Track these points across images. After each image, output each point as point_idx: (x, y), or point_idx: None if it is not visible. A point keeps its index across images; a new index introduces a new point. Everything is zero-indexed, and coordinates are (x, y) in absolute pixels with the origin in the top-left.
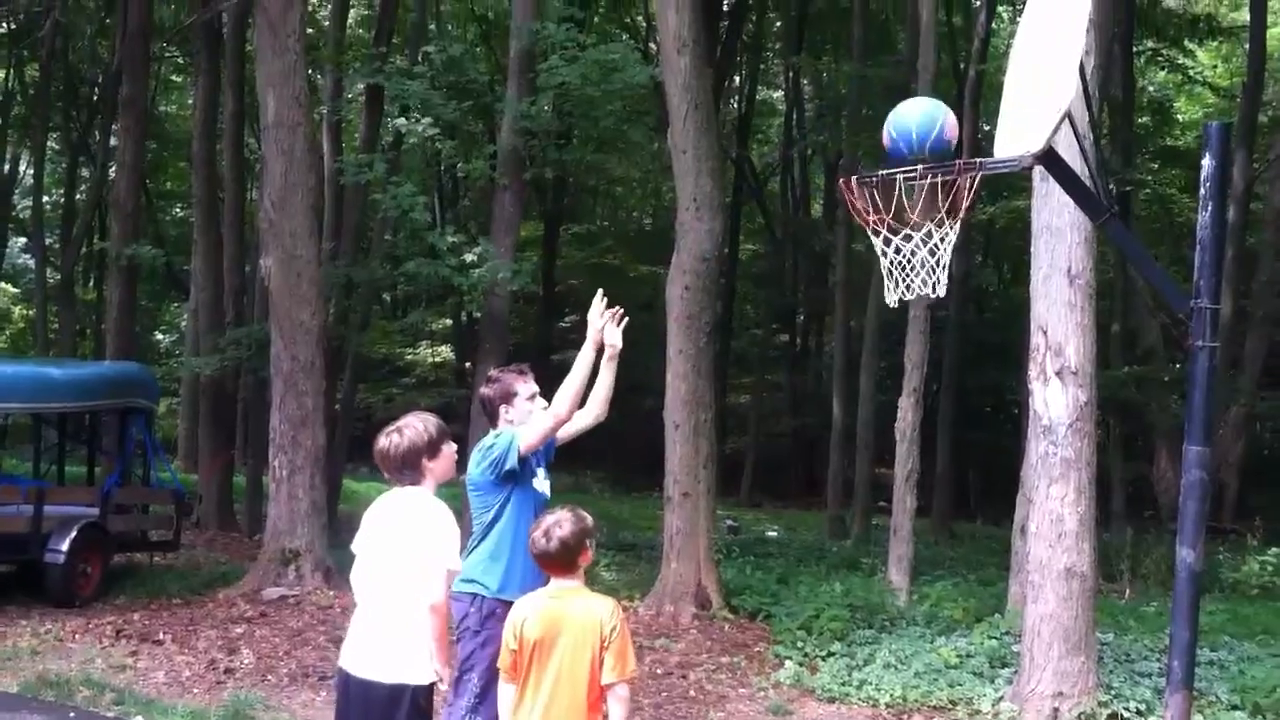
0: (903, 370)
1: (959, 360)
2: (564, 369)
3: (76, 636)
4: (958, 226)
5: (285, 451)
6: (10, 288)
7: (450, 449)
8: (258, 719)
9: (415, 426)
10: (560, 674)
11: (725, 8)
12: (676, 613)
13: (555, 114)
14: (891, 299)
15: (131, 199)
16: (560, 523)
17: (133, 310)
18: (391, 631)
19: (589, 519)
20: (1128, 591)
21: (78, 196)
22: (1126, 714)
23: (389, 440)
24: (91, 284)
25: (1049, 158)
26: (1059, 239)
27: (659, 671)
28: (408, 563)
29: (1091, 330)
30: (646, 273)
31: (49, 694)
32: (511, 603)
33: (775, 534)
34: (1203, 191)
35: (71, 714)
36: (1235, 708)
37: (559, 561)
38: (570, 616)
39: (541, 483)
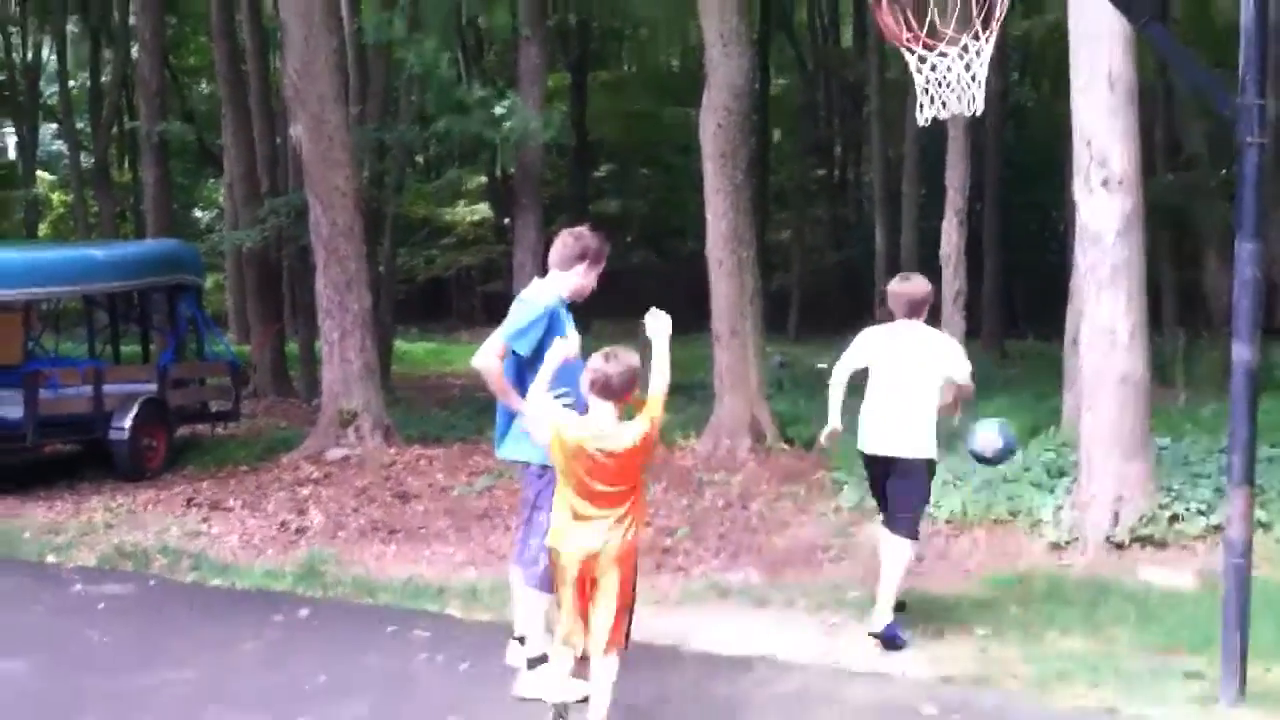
0: (944, 195)
1: (1001, 180)
2: (601, 216)
3: (149, 508)
4: (993, 40)
5: (333, 316)
6: (47, 175)
7: None
8: (331, 574)
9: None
10: (584, 475)
11: None
12: (733, 447)
13: None
14: (923, 118)
15: (156, 77)
16: (619, 356)
17: (169, 188)
18: (921, 420)
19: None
20: (1183, 396)
21: (103, 79)
22: (1187, 514)
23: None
24: (126, 165)
25: None
26: (1098, 45)
27: (720, 504)
28: (936, 371)
29: (1135, 136)
30: (679, 115)
31: (127, 564)
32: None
33: (825, 366)
34: None
35: (150, 582)
36: None
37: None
38: (604, 441)
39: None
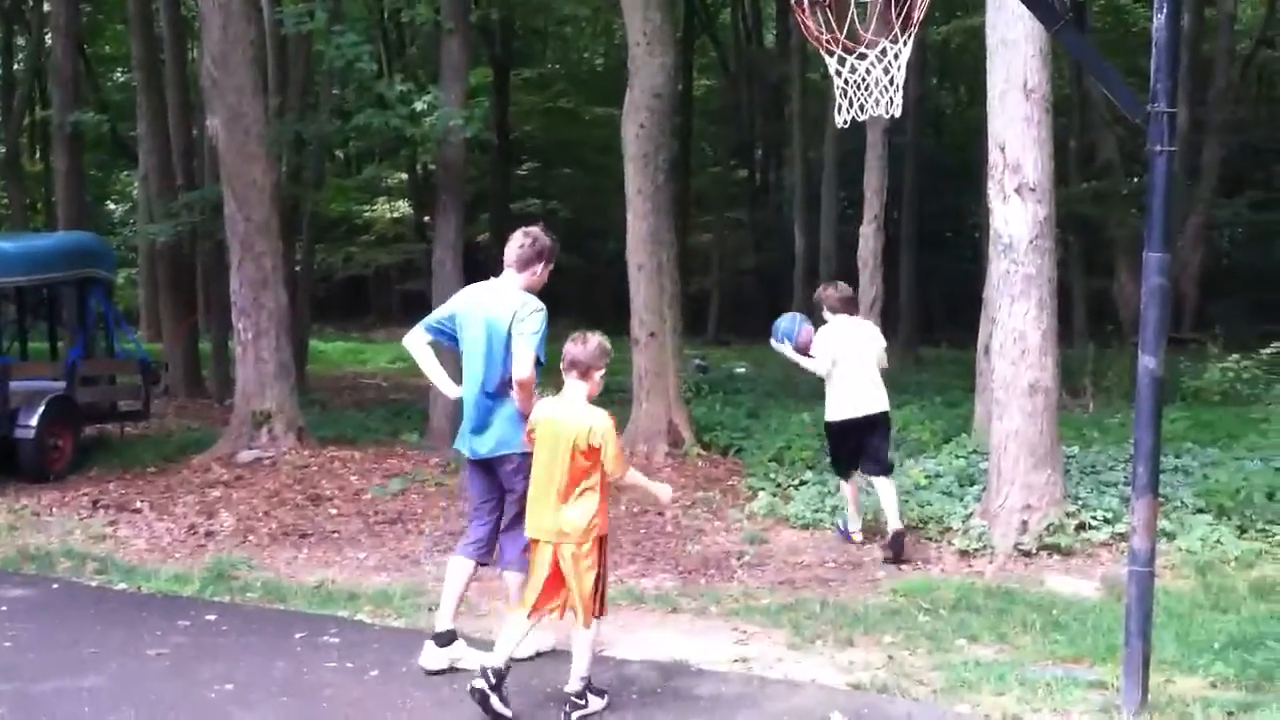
0: (863, 199)
1: (918, 186)
2: (524, 218)
3: (53, 510)
4: (911, 43)
5: (248, 314)
6: None
7: None
8: (242, 579)
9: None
10: (549, 462)
11: None
12: (650, 452)
13: None
14: (841, 119)
15: (69, 65)
16: (587, 338)
17: (81, 179)
18: (881, 383)
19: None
20: (1091, 405)
21: (15, 66)
22: (1094, 523)
23: (848, 289)
24: (38, 155)
25: None
26: (1014, 52)
27: (635, 510)
28: (878, 347)
29: (1049, 145)
30: (602, 115)
31: (30, 567)
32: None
33: (744, 370)
34: None
35: (55, 585)
36: (1200, 511)
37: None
38: (564, 421)
39: None
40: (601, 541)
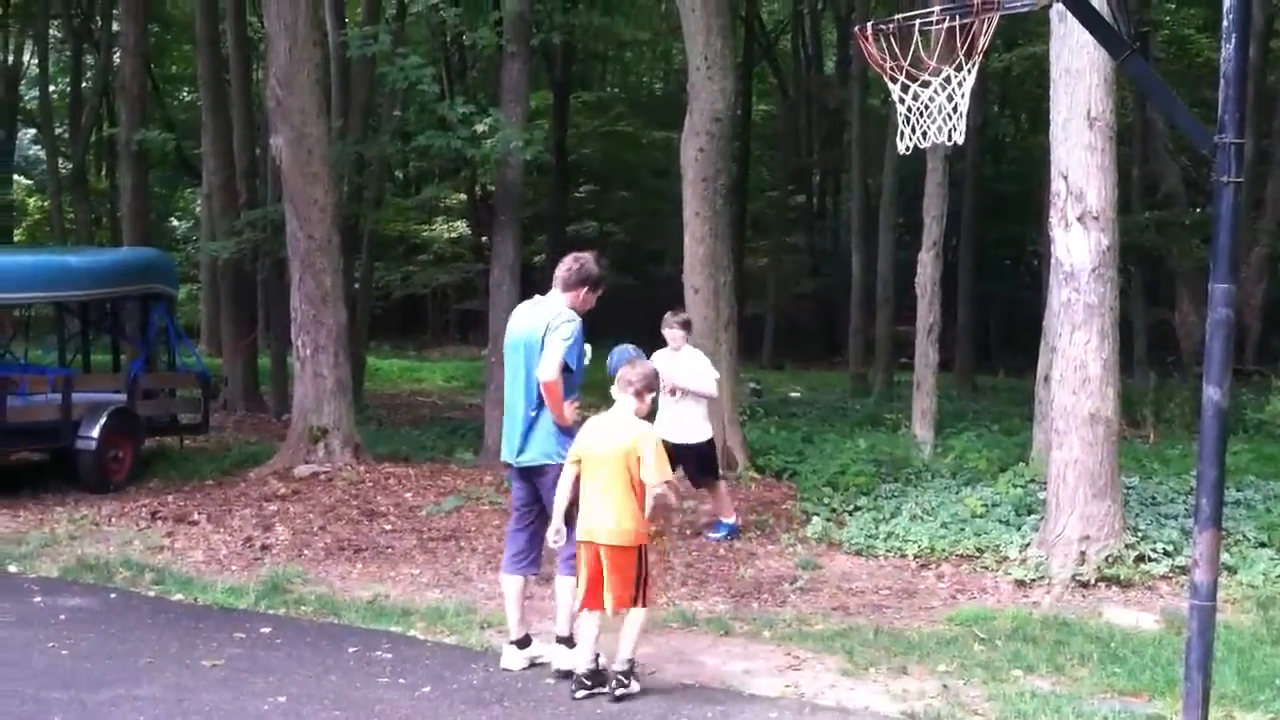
0: (921, 225)
1: (978, 213)
2: (579, 240)
3: (112, 520)
4: (975, 71)
5: (307, 331)
6: (24, 179)
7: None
8: (296, 592)
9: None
10: (611, 472)
11: None
12: None
13: None
14: (904, 146)
15: (137, 84)
16: (643, 362)
17: (146, 196)
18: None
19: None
20: (1152, 436)
21: (84, 84)
22: (1153, 555)
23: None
24: (104, 172)
25: None
26: (1078, 81)
27: (688, 532)
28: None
29: (1112, 173)
30: (660, 138)
31: (89, 577)
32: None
33: (798, 395)
34: (1225, 24)
35: (112, 595)
36: (1263, 545)
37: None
38: (615, 433)
39: None
40: (641, 550)
